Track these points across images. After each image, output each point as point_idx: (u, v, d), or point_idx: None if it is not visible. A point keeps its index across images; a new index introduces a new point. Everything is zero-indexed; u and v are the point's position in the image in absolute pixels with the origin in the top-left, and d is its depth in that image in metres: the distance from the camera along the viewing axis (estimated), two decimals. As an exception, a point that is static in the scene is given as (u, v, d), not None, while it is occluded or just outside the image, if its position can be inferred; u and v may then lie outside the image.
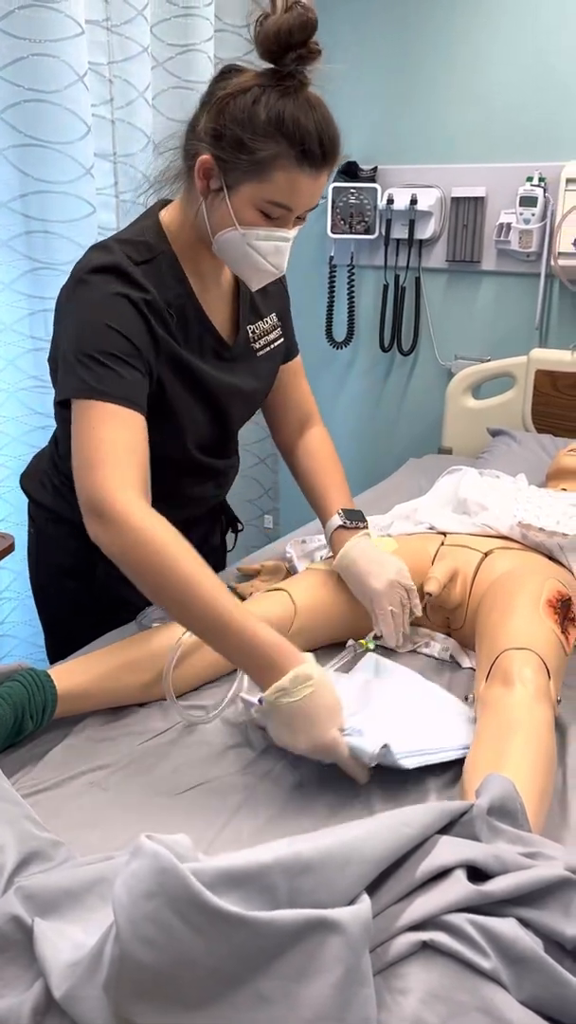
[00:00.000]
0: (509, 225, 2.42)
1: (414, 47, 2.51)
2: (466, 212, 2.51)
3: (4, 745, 1.08)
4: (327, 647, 1.40)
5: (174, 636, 1.19)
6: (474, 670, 1.33)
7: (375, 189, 2.58)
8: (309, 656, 1.06)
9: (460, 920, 0.72)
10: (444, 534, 1.54)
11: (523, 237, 2.38)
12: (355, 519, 1.41)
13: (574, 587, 1.35)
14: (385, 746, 1.02)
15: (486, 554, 1.45)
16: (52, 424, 1.44)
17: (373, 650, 1.33)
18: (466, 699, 1.25)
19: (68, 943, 0.73)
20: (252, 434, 1.58)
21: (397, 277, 2.69)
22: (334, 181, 2.62)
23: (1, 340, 1.91)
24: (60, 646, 1.45)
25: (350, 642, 1.35)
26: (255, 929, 0.65)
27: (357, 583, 1.34)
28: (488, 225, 2.50)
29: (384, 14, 2.53)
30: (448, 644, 1.41)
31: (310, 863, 0.69)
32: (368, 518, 1.46)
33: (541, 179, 2.34)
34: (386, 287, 2.71)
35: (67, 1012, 0.69)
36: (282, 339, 1.45)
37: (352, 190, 2.60)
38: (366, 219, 2.62)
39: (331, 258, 2.75)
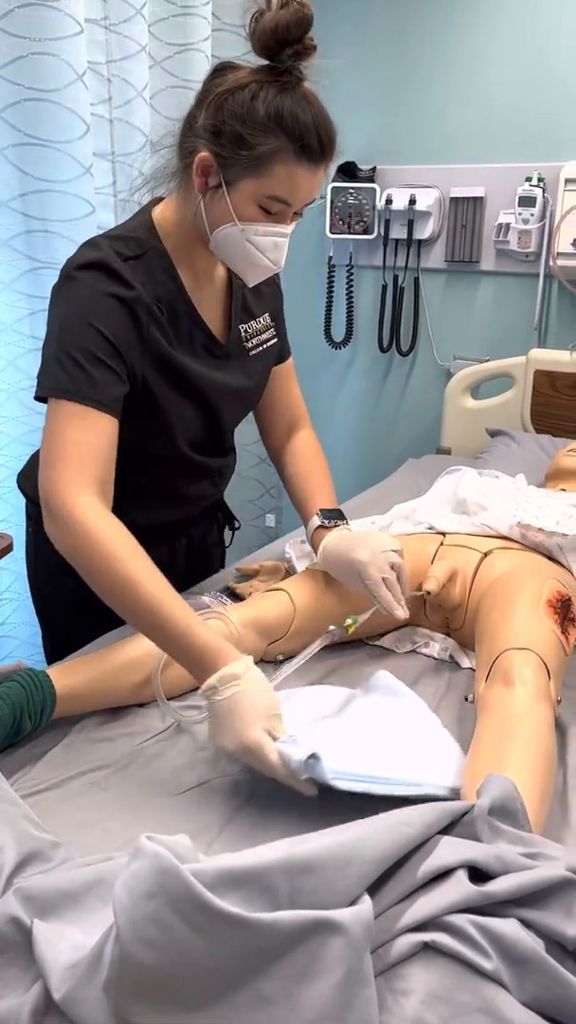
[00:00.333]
0: (508, 225, 2.42)
1: (413, 47, 2.51)
2: (465, 212, 2.51)
3: (3, 745, 1.07)
4: (327, 648, 1.39)
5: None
6: (474, 670, 1.33)
7: (374, 189, 2.58)
8: (247, 658, 1.05)
9: (462, 921, 0.72)
10: (443, 534, 1.54)
11: (522, 237, 2.38)
12: (333, 517, 1.40)
13: (574, 587, 1.35)
14: (313, 755, 0.94)
15: (485, 554, 1.44)
16: (51, 424, 1.44)
17: (353, 628, 1.26)
18: (466, 699, 1.25)
19: (67, 944, 0.73)
20: (252, 434, 1.57)
21: (396, 277, 2.69)
22: (333, 181, 2.62)
23: (1, 340, 1.91)
24: (59, 646, 1.44)
25: (331, 626, 1.28)
26: (256, 930, 0.64)
27: (341, 564, 1.31)
28: (487, 225, 2.50)
29: (383, 14, 2.53)
30: (448, 644, 1.41)
31: (311, 863, 0.68)
32: (367, 518, 1.46)
33: (540, 179, 2.34)
34: (385, 287, 2.71)
35: (67, 1013, 0.69)
36: (275, 340, 1.45)
37: (351, 190, 2.60)
38: (365, 219, 2.62)
39: (330, 258, 2.75)
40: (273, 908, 0.67)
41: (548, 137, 2.36)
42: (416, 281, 2.67)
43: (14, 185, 1.79)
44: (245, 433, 1.56)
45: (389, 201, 2.55)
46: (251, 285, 1.28)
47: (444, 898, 0.73)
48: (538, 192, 2.32)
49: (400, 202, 2.53)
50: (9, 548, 1.66)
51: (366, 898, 0.70)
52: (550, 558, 1.45)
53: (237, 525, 1.67)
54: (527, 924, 0.73)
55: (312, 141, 1.11)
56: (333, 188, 2.62)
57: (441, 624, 1.44)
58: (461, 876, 0.75)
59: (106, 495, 1.12)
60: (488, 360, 2.55)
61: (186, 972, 0.65)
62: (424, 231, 2.57)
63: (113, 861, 0.82)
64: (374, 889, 0.73)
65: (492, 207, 2.48)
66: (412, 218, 2.54)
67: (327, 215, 2.65)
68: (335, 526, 1.39)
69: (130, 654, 1.19)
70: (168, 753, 1.11)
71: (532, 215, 2.34)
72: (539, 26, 2.31)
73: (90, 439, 1.12)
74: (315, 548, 1.40)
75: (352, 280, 2.76)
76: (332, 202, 2.63)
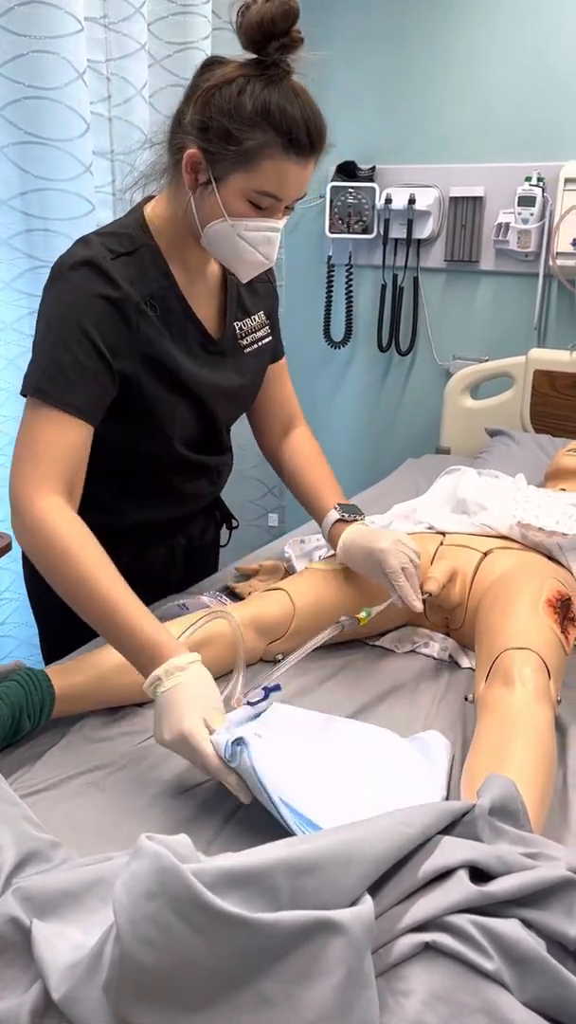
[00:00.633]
0: (507, 225, 2.42)
1: (413, 46, 2.51)
2: (464, 212, 2.51)
3: (1, 745, 1.07)
4: (326, 647, 1.39)
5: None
6: (473, 670, 1.33)
7: (373, 189, 2.58)
8: (193, 654, 1.05)
9: (463, 921, 0.72)
10: (443, 534, 1.54)
11: (521, 237, 2.38)
12: (352, 512, 1.41)
13: (574, 587, 1.35)
14: (239, 740, 0.89)
15: (485, 554, 1.44)
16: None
17: (366, 621, 1.26)
18: (466, 699, 1.25)
19: (67, 944, 0.73)
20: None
21: (395, 277, 2.69)
22: (332, 180, 2.62)
23: (1, 339, 1.90)
24: (56, 646, 1.44)
25: (342, 617, 1.27)
26: (257, 930, 0.64)
27: (362, 554, 1.33)
28: (486, 225, 2.50)
29: (383, 10, 2.52)
30: (447, 644, 1.40)
31: (312, 863, 0.68)
32: (367, 518, 1.46)
33: (540, 179, 2.34)
34: (384, 287, 2.71)
35: (66, 1014, 0.68)
36: (270, 338, 1.44)
37: (350, 189, 2.60)
38: (364, 219, 2.62)
39: (329, 258, 2.75)
40: (274, 908, 0.66)
41: (548, 137, 2.36)
42: (415, 281, 2.67)
43: (14, 183, 1.79)
44: (246, 433, 1.56)
45: (388, 200, 2.55)
46: (244, 280, 1.28)
47: (445, 898, 0.73)
48: (538, 192, 2.32)
49: (399, 201, 2.53)
50: (8, 548, 1.66)
51: (367, 898, 0.70)
52: (550, 558, 1.45)
53: (235, 524, 1.67)
54: (528, 924, 0.73)
55: (300, 135, 1.10)
56: (332, 187, 2.62)
57: (441, 624, 1.44)
58: (462, 876, 0.75)
59: (73, 497, 1.14)
60: (487, 360, 2.55)
61: (186, 972, 0.64)
62: (423, 231, 2.57)
63: (113, 861, 0.82)
64: (375, 889, 0.73)
65: (492, 207, 2.47)
66: (411, 218, 2.54)
67: (326, 214, 2.65)
68: (354, 520, 1.41)
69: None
70: (168, 753, 1.11)
71: (532, 215, 2.34)
72: (539, 25, 2.31)
73: (61, 442, 1.13)
74: (333, 542, 1.41)
75: (351, 280, 2.76)
76: (331, 201, 2.63)
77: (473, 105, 2.46)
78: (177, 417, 1.30)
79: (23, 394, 1.17)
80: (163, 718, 1.00)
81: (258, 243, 1.19)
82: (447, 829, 0.81)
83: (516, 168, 2.38)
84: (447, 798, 1.00)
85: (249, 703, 1.11)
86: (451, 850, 0.77)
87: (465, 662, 1.37)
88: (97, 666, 1.17)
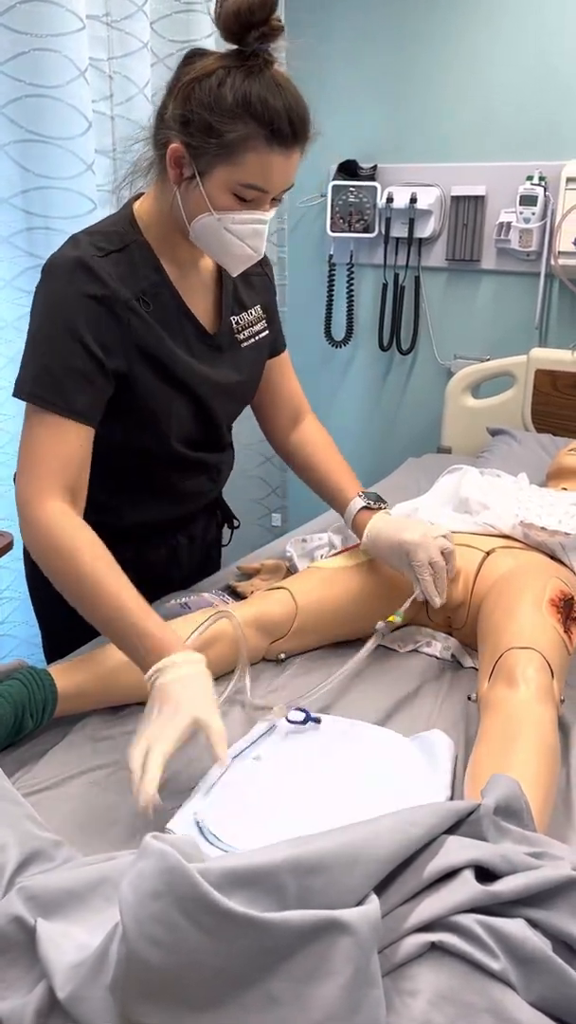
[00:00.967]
0: (509, 224, 2.41)
1: (415, 45, 2.50)
2: (466, 211, 2.50)
3: (4, 744, 1.07)
4: (329, 646, 1.39)
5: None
6: (476, 670, 1.32)
7: (374, 187, 2.58)
8: (198, 655, 1.05)
9: (469, 921, 0.71)
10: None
11: (523, 236, 2.38)
12: (377, 500, 1.42)
13: (576, 586, 1.35)
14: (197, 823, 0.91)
15: (488, 553, 1.44)
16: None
17: (399, 626, 1.28)
18: (469, 698, 1.25)
19: (71, 944, 0.72)
20: (256, 433, 1.57)
21: (396, 276, 2.68)
22: (333, 179, 2.62)
23: (2, 337, 1.90)
24: (57, 648, 1.44)
25: (379, 624, 1.28)
26: (264, 929, 0.64)
27: (390, 545, 1.33)
28: (488, 224, 2.49)
29: (384, 10, 2.52)
30: (450, 644, 1.40)
31: (319, 863, 0.68)
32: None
33: (541, 178, 2.34)
34: (385, 286, 2.71)
35: (71, 1013, 0.68)
36: (267, 332, 1.43)
37: (351, 188, 2.60)
38: (365, 217, 2.62)
39: (330, 256, 2.74)
40: (281, 908, 0.66)
41: (549, 136, 2.36)
42: (417, 280, 2.67)
43: (15, 181, 1.78)
44: (248, 432, 1.56)
45: (390, 199, 2.54)
46: (234, 274, 1.27)
47: (451, 898, 0.73)
48: (539, 191, 2.31)
49: (401, 200, 2.53)
50: (9, 547, 1.65)
51: (373, 898, 0.70)
52: (552, 557, 1.45)
53: (236, 524, 1.66)
54: (534, 924, 0.73)
55: (283, 125, 1.08)
56: (334, 186, 2.61)
57: (443, 623, 1.44)
58: (468, 876, 0.75)
59: (77, 501, 1.15)
60: (489, 359, 2.55)
61: (193, 972, 0.64)
62: (425, 230, 2.56)
63: (116, 860, 0.82)
64: (381, 889, 0.72)
65: (493, 206, 2.47)
66: (413, 217, 2.54)
67: (327, 213, 2.65)
68: (379, 508, 1.41)
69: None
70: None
71: (533, 214, 2.33)
72: (541, 25, 2.31)
73: (62, 448, 1.14)
74: (357, 530, 1.40)
75: (353, 279, 2.75)
76: (333, 200, 2.63)
77: (475, 104, 2.46)
78: (174, 413, 1.30)
79: (15, 395, 1.17)
80: (155, 706, 1.00)
81: (245, 236, 1.17)
82: (452, 829, 0.80)
83: (518, 167, 2.38)
84: (451, 798, 1.00)
85: (289, 720, 1.12)
86: (456, 850, 0.77)
87: (468, 662, 1.37)
88: (100, 665, 1.17)
